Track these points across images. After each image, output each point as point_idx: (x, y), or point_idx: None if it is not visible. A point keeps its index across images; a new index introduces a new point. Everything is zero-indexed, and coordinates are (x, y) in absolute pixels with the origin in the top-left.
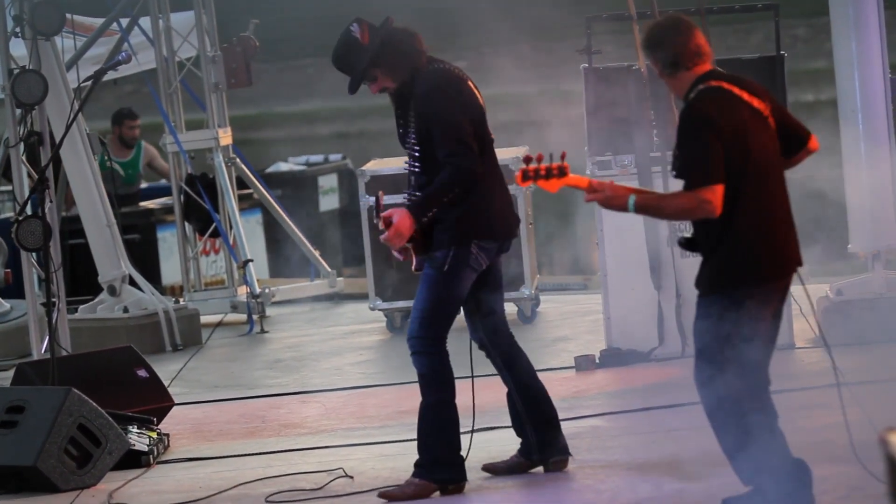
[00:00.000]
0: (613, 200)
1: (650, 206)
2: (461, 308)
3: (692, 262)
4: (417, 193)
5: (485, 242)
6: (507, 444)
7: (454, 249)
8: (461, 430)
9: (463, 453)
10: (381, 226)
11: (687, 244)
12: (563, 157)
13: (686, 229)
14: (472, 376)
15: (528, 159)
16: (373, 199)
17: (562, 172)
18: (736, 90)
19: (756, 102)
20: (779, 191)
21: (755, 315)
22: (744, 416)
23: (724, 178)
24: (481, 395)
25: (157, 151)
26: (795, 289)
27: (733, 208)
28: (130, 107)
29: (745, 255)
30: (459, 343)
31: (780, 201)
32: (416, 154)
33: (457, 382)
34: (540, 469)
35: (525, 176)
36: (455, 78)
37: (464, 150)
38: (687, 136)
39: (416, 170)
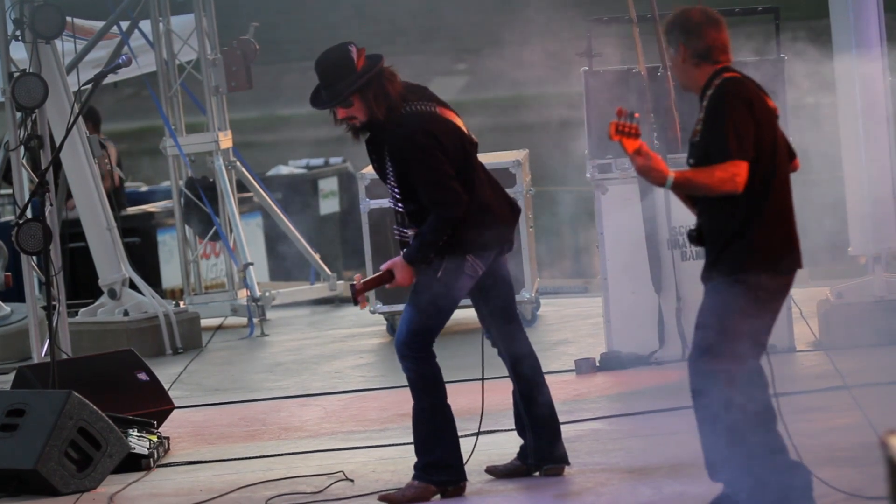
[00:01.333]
0: (653, 172)
1: (686, 180)
2: (474, 312)
3: (693, 266)
4: (405, 230)
5: (480, 252)
6: (510, 446)
7: (447, 259)
8: (468, 432)
9: (465, 455)
10: (361, 306)
11: (697, 237)
12: (636, 116)
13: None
14: (483, 378)
15: (619, 113)
16: (373, 202)
17: (638, 135)
18: (754, 86)
19: (770, 103)
20: (788, 187)
21: (770, 305)
22: (738, 412)
23: (752, 155)
24: (488, 397)
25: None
26: (796, 291)
27: (762, 195)
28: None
29: (772, 243)
30: (469, 345)
31: (791, 198)
32: (398, 195)
33: (463, 385)
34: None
35: (618, 130)
36: (429, 119)
37: (446, 197)
38: (722, 111)
39: (400, 209)
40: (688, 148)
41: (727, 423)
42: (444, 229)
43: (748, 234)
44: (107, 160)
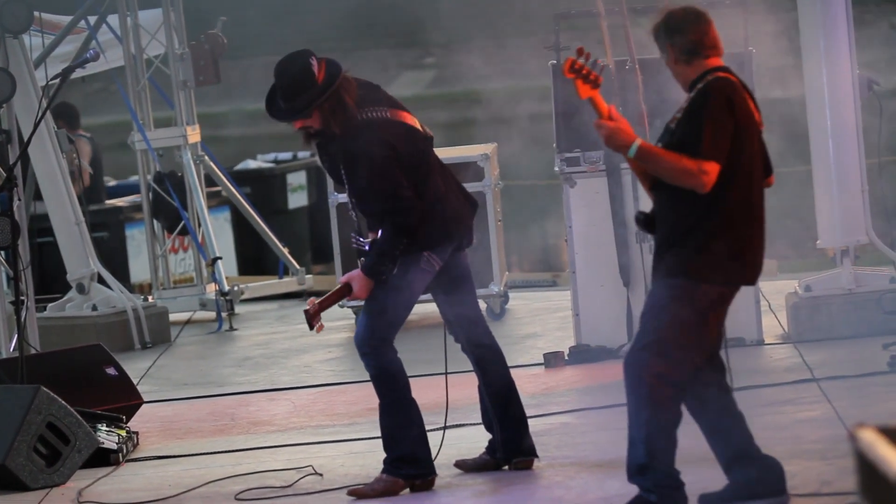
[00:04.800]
0: (619, 135)
1: (652, 153)
2: (429, 309)
3: None
4: (361, 239)
5: (437, 246)
6: (478, 440)
7: (404, 256)
8: (434, 426)
9: (433, 449)
10: (317, 330)
11: (645, 221)
12: (601, 69)
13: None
14: (446, 373)
15: (580, 52)
16: (341, 196)
17: (596, 84)
18: (746, 94)
19: (757, 114)
20: (760, 197)
21: (716, 311)
22: (662, 417)
23: (724, 160)
24: (454, 392)
25: (86, 150)
26: (764, 284)
27: (724, 199)
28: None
29: (727, 251)
30: (434, 339)
31: (761, 208)
32: (354, 203)
33: (430, 379)
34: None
35: (572, 68)
36: (383, 127)
37: (399, 206)
38: (704, 109)
39: (355, 215)
40: (662, 132)
41: (648, 429)
42: (399, 238)
43: (698, 237)
44: (74, 156)
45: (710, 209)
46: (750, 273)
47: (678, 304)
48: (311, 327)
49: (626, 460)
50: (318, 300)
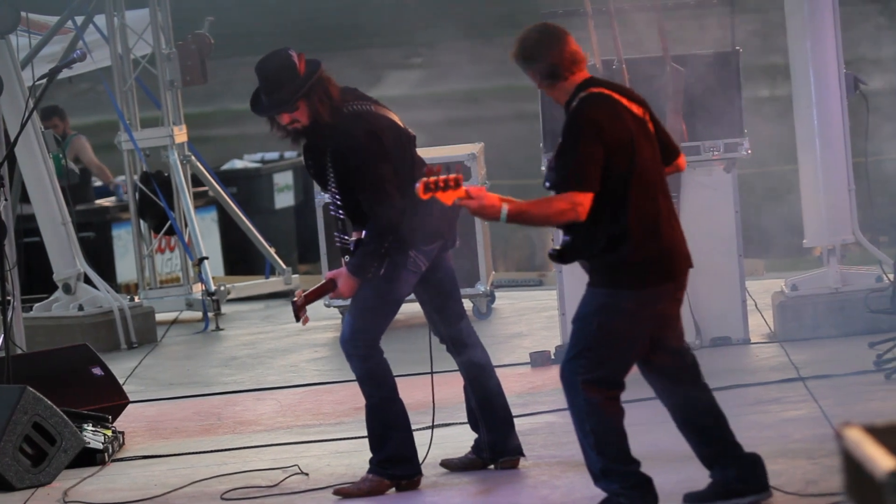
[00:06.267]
0: (485, 209)
1: (522, 211)
2: (416, 309)
3: None
4: (346, 237)
5: (423, 246)
6: (464, 439)
7: (390, 256)
8: (421, 426)
9: (420, 448)
10: (302, 323)
11: (558, 256)
12: (457, 169)
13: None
14: (432, 372)
15: (429, 171)
16: (327, 196)
17: (457, 184)
18: (617, 96)
19: (636, 108)
20: (663, 195)
21: (646, 313)
22: (597, 420)
23: (597, 188)
24: (440, 391)
25: (88, 146)
26: (751, 283)
27: (622, 214)
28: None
29: (642, 256)
30: (420, 339)
31: (665, 205)
32: (339, 201)
33: (417, 379)
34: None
35: (426, 189)
36: (370, 118)
37: (384, 202)
38: (573, 140)
39: (341, 215)
40: (546, 170)
41: (595, 436)
42: (383, 236)
43: (612, 248)
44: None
45: (615, 223)
46: (669, 271)
47: (605, 311)
48: (298, 318)
49: (587, 468)
50: (304, 292)
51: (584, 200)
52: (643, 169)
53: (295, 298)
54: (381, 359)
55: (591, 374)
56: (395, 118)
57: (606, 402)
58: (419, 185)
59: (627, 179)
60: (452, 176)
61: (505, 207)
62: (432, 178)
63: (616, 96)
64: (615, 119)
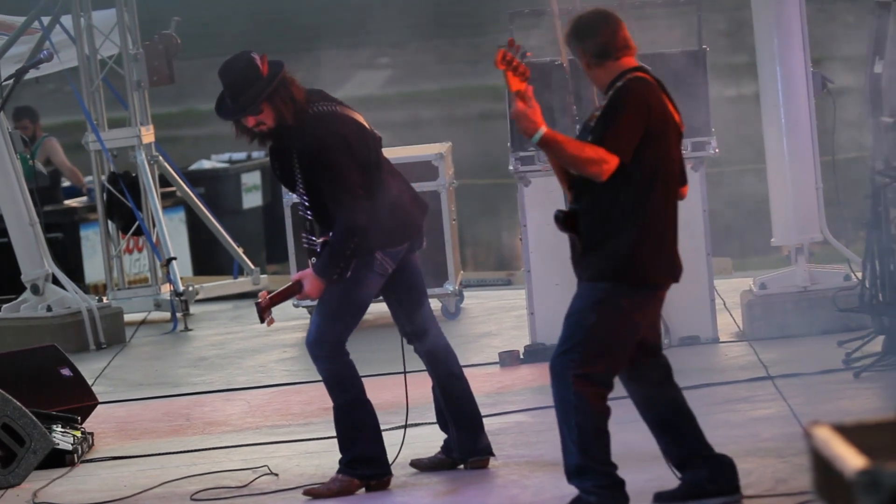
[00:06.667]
0: (526, 119)
1: (555, 141)
2: (386, 309)
3: None
4: (314, 238)
5: (389, 247)
6: (434, 439)
7: (357, 258)
8: (391, 426)
9: (391, 448)
10: (268, 323)
11: (563, 219)
12: (528, 56)
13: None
14: (405, 372)
15: (510, 43)
16: (295, 196)
17: (525, 76)
18: (663, 95)
19: (676, 115)
20: (675, 202)
21: (643, 312)
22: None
23: (627, 158)
24: (410, 391)
25: (60, 148)
26: (719, 282)
27: (641, 208)
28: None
29: (651, 253)
30: (389, 339)
31: (676, 211)
32: (306, 202)
33: (386, 379)
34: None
35: (504, 59)
36: (335, 119)
37: (351, 202)
38: (619, 109)
39: (309, 216)
40: (581, 129)
41: (579, 431)
42: (349, 237)
43: (621, 240)
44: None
45: (633, 212)
46: (675, 272)
47: (603, 307)
48: (262, 320)
49: (563, 463)
50: (269, 294)
51: (612, 161)
52: (670, 170)
53: (259, 300)
54: (347, 360)
55: (583, 369)
56: (361, 119)
57: (595, 399)
58: (500, 52)
59: (655, 174)
60: (524, 66)
61: (542, 129)
62: (511, 56)
63: (663, 95)
64: (662, 107)
